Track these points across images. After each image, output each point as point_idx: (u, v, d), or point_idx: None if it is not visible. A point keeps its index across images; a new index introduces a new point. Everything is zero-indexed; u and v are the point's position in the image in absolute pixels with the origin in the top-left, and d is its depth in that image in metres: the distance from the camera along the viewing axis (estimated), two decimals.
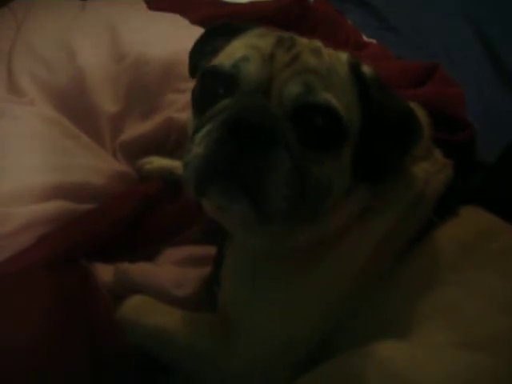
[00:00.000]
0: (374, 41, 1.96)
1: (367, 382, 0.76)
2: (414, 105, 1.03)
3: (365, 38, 1.97)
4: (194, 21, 1.71)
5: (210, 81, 0.87)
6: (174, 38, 1.53)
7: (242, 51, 0.86)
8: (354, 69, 0.89)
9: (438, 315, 0.85)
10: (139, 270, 1.09)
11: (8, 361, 0.87)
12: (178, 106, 1.40)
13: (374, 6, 2.27)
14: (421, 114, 1.03)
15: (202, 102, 0.87)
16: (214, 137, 0.78)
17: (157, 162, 1.34)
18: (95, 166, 1.28)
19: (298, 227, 0.90)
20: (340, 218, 0.92)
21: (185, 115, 1.21)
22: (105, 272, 1.06)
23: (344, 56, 0.92)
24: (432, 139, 1.04)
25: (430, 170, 0.98)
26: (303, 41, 0.91)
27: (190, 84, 0.93)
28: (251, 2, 2.04)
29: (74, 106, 1.40)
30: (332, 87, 0.83)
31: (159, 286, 1.06)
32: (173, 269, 1.11)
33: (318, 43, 0.91)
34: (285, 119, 0.80)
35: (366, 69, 0.91)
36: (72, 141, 1.31)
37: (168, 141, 1.39)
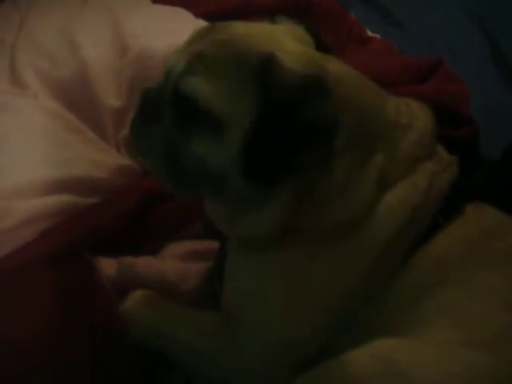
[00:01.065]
0: (377, 36, 1.95)
1: (370, 381, 0.76)
2: (418, 103, 1.03)
3: (369, 33, 1.97)
4: (199, 14, 1.71)
5: None
6: (178, 31, 1.52)
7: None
8: (263, 65, 0.83)
9: (441, 315, 0.85)
10: (143, 263, 1.09)
11: (9, 357, 0.87)
12: None
13: (378, 1, 2.25)
14: (424, 111, 1.02)
15: None
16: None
17: None
18: (98, 159, 1.28)
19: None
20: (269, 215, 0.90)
21: None
22: (108, 266, 1.06)
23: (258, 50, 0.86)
24: (436, 137, 1.03)
25: (435, 169, 0.96)
26: (235, 30, 0.88)
27: None
28: None
29: (77, 99, 1.40)
30: (214, 75, 0.84)
31: (163, 280, 1.06)
32: (176, 263, 1.11)
33: (246, 35, 0.88)
34: (168, 100, 0.89)
35: (288, 70, 0.83)
36: (75, 135, 1.32)
37: None
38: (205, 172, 0.88)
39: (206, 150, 0.86)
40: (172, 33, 1.51)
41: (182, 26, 1.59)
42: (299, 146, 0.82)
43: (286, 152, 0.82)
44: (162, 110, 0.89)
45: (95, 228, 1.09)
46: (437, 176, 0.96)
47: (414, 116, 0.96)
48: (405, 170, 0.93)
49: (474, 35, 2.02)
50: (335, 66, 0.90)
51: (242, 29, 0.89)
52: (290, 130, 0.81)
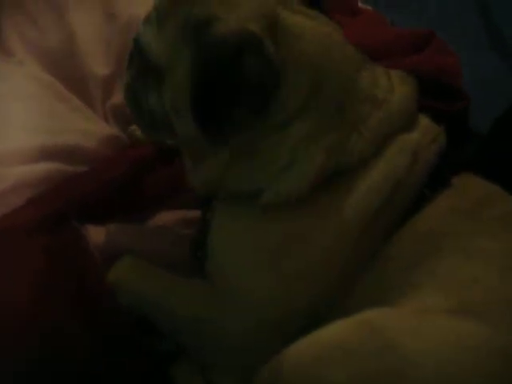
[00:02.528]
0: (369, 7, 1.93)
1: (358, 351, 0.76)
2: (401, 77, 1.01)
3: (360, 5, 1.95)
4: None
5: None
6: None
7: None
8: (203, 23, 0.85)
9: (433, 280, 0.85)
10: (131, 230, 1.08)
11: None
12: None
13: None
14: (407, 83, 1.00)
15: None
16: None
17: None
18: (86, 129, 1.26)
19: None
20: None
21: None
22: (96, 234, 1.06)
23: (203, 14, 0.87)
24: (417, 108, 1.00)
25: (422, 141, 0.95)
26: None
27: None
28: None
29: (65, 67, 1.38)
30: (162, 26, 0.89)
31: (151, 248, 1.06)
32: (165, 230, 1.10)
33: None
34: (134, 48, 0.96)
35: (222, 29, 0.84)
36: (63, 103, 1.30)
37: None
38: (156, 119, 0.96)
39: (152, 99, 0.94)
40: None
41: None
42: (232, 102, 0.84)
43: (221, 107, 0.85)
44: (133, 59, 0.98)
45: (82, 195, 1.08)
46: (423, 148, 0.95)
47: (391, 90, 0.95)
48: (377, 146, 0.92)
49: (467, 6, 2.01)
50: (297, 21, 0.90)
51: None
52: (223, 86, 0.84)
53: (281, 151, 0.90)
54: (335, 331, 0.80)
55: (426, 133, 0.97)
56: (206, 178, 0.96)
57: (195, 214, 1.14)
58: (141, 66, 0.95)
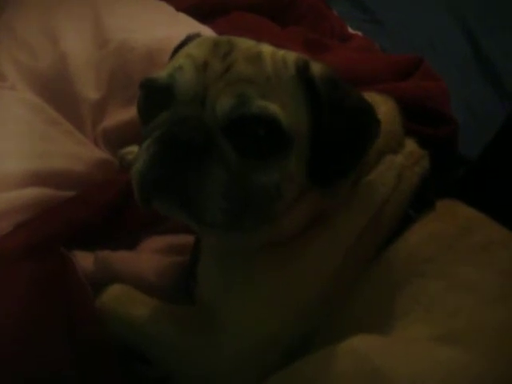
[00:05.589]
0: (359, 33, 1.96)
1: (343, 379, 0.75)
2: (383, 98, 1.03)
3: (350, 30, 1.97)
4: (180, 8, 1.70)
5: (149, 92, 0.87)
6: (158, 25, 1.52)
7: (178, 61, 0.85)
8: (302, 71, 0.86)
9: (416, 308, 0.85)
10: (119, 257, 1.07)
11: None
12: None
13: None
14: (390, 107, 1.03)
15: (145, 113, 0.88)
16: (150, 153, 0.79)
17: None
18: (76, 153, 1.26)
19: (249, 231, 0.88)
20: (294, 219, 0.90)
21: None
22: (84, 260, 1.05)
23: (291, 58, 0.88)
24: (404, 132, 1.03)
25: (405, 163, 0.97)
26: (243, 45, 0.87)
27: None
28: None
29: (56, 91, 1.39)
30: (271, 95, 0.81)
31: (139, 275, 1.05)
32: (153, 257, 1.10)
33: (259, 47, 0.88)
34: (219, 130, 0.80)
35: (316, 68, 0.87)
36: (53, 127, 1.30)
37: None
38: (272, 199, 0.84)
39: (279, 176, 0.82)
40: (152, 26, 1.51)
41: (163, 20, 1.59)
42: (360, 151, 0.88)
43: (348, 156, 0.87)
44: (213, 143, 0.79)
45: (71, 221, 1.08)
46: (406, 169, 0.97)
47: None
48: (367, 164, 0.93)
49: (456, 34, 2.04)
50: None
51: (248, 43, 0.89)
52: (346, 116, 0.86)
53: None
54: (320, 361, 0.80)
55: (409, 155, 0.99)
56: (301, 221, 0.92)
57: (183, 239, 1.14)
58: (240, 147, 0.80)
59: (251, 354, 0.92)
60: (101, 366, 0.95)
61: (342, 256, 0.91)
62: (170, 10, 1.68)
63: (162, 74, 0.85)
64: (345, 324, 0.89)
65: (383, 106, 1.00)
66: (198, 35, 0.96)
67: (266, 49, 0.88)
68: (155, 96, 0.85)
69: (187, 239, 1.12)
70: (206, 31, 1.54)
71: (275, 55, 0.87)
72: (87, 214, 1.10)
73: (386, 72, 1.47)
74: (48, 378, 0.89)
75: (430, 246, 0.91)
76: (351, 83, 0.91)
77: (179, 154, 0.77)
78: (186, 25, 1.60)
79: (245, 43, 0.88)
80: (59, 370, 0.90)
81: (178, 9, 1.70)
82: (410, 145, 1.02)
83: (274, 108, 0.80)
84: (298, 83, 0.86)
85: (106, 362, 0.95)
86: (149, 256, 1.10)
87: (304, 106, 0.85)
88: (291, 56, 0.89)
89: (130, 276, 1.04)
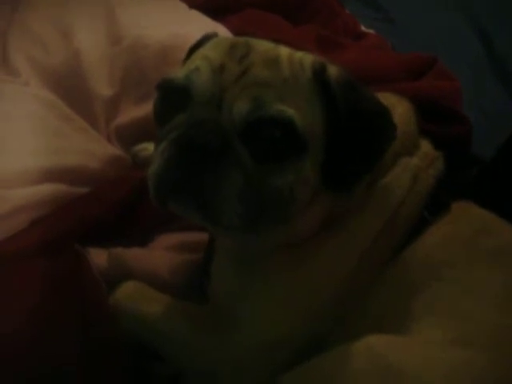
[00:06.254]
0: (372, 31, 1.95)
1: (358, 376, 0.76)
2: (398, 99, 1.03)
3: (363, 28, 1.97)
4: (193, 5, 1.70)
5: (166, 93, 0.86)
6: (172, 22, 1.52)
7: (195, 62, 0.85)
8: (319, 74, 0.86)
9: (431, 312, 0.85)
10: (133, 255, 1.08)
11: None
12: None
13: None
14: (406, 108, 1.03)
15: (161, 115, 0.87)
16: (166, 155, 0.79)
17: (151, 148, 1.33)
18: (90, 149, 1.27)
19: (264, 233, 0.88)
20: (308, 221, 0.90)
21: None
22: (98, 257, 1.05)
23: (308, 61, 0.87)
24: (419, 133, 1.03)
25: (420, 164, 0.97)
26: (261, 47, 0.87)
27: None
28: None
29: (69, 88, 1.39)
30: (288, 98, 0.81)
31: (153, 272, 1.05)
32: (166, 254, 1.10)
33: (276, 50, 0.87)
34: (236, 134, 0.79)
35: (333, 71, 0.87)
36: (67, 123, 1.30)
37: None
38: (287, 202, 0.83)
39: (294, 179, 0.82)
40: (166, 23, 1.51)
41: (176, 17, 1.60)
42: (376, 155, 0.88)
43: (364, 159, 0.87)
44: (229, 146, 0.78)
45: (85, 218, 1.08)
46: (422, 171, 0.96)
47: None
48: (383, 166, 0.93)
49: (469, 33, 2.03)
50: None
51: (266, 45, 0.89)
52: (362, 119, 0.85)
53: None
54: (336, 359, 0.80)
55: (424, 156, 0.99)
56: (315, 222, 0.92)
57: (196, 237, 1.14)
58: (257, 150, 0.80)
59: (264, 354, 0.92)
60: (114, 364, 0.95)
61: (357, 258, 0.91)
62: (183, 6, 1.69)
63: (178, 74, 0.84)
64: (360, 325, 0.89)
65: (399, 107, 1.00)
66: (215, 35, 0.96)
67: (284, 51, 0.88)
68: (172, 97, 0.84)
69: (200, 237, 1.12)
70: (219, 29, 1.54)
71: (292, 57, 0.87)
72: (100, 210, 1.11)
73: (400, 71, 1.46)
74: (49, 373, 0.89)
75: (445, 248, 0.91)
76: (364, 82, 0.91)
77: (196, 156, 0.77)
78: (199, 22, 1.60)
79: (262, 45, 0.88)
80: (61, 366, 0.90)
81: (191, 6, 1.70)
82: (425, 146, 1.01)
83: (290, 111, 0.79)
84: (314, 86, 0.85)
85: (119, 358, 0.96)
86: (162, 253, 1.11)
87: (320, 109, 0.85)
88: (308, 58, 0.88)
89: (144, 273, 1.05)
